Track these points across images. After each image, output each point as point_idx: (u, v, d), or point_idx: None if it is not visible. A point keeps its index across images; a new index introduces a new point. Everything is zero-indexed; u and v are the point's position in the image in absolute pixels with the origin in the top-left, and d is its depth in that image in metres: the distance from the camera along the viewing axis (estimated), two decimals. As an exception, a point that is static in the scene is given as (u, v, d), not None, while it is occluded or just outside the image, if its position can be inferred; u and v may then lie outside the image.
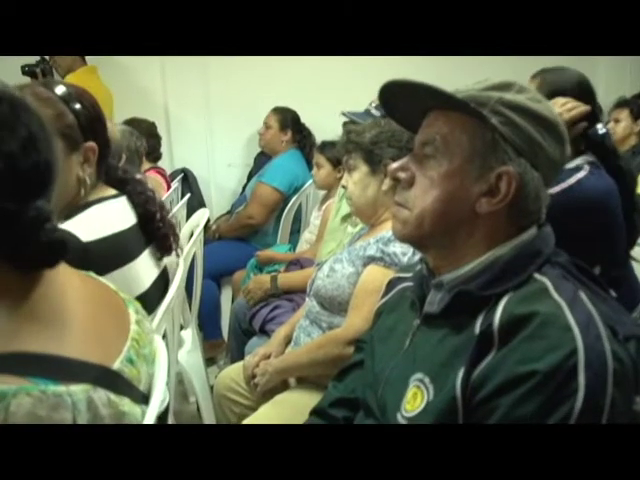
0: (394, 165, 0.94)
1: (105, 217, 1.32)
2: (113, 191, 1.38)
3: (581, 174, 1.59)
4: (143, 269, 1.38)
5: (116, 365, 0.77)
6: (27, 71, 3.13)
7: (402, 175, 0.92)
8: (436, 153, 0.88)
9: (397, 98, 0.94)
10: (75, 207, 1.28)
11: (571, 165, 1.65)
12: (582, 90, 1.72)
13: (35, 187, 0.73)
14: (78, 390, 0.68)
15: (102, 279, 0.91)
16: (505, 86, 0.89)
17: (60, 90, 1.27)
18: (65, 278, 0.79)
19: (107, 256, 1.25)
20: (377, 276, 1.48)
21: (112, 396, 0.72)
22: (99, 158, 1.31)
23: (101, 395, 0.70)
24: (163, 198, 2.21)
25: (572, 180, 1.57)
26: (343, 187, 1.73)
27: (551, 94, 1.66)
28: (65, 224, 1.21)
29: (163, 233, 1.45)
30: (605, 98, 3.64)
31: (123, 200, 1.39)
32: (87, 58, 3.27)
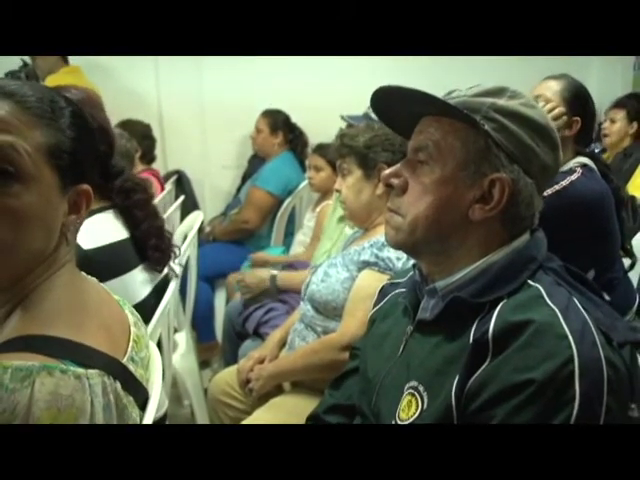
0: (387, 171, 0.93)
1: (102, 227, 1.33)
2: (102, 203, 1.38)
3: (574, 176, 1.60)
4: (139, 280, 1.39)
5: (123, 362, 0.80)
6: (11, 78, 3.06)
7: (395, 181, 0.91)
8: (429, 159, 0.88)
9: (389, 103, 0.93)
10: None
11: (564, 168, 1.66)
12: (592, 100, 1.75)
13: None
14: (94, 374, 0.71)
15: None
16: (498, 92, 0.89)
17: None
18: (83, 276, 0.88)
19: (106, 265, 1.27)
20: (372, 281, 1.47)
21: (119, 387, 0.75)
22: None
23: (112, 383, 0.74)
24: (156, 200, 2.19)
25: (565, 182, 1.58)
26: (337, 191, 1.72)
27: (575, 95, 1.69)
28: None
29: (155, 244, 1.44)
30: (598, 98, 3.66)
31: (112, 212, 1.39)
32: (81, 59, 3.25)
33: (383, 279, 1.27)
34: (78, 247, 1.19)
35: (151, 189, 1.56)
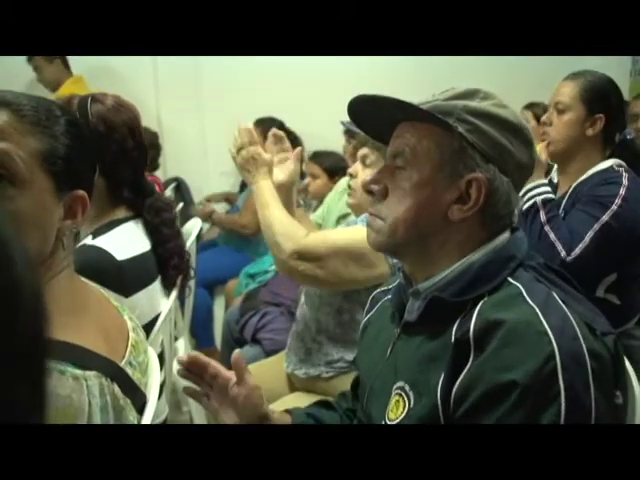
0: (367, 178, 0.95)
1: (131, 237, 1.34)
2: (129, 212, 1.38)
3: (621, 196, 1.56)
4: (160, 292, 1.41)
5: (121, 365, 0.82)
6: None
7: (375, 188, 0.93)
8: (406, 164, 0.89)
9: (366, 112, 0.94)
10: (102, 225, 1.29)
11: (602, 167, 1.65)
12: (617, 90, 1.72)
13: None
14: (92, 375, 0.73)
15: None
16: (470, 94, 0.90)
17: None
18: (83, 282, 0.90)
19: (137, 275, 1.28)
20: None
21: (116, 389, 0.77)
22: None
23: (109, 384, 0.76)
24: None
25: (620, 192, 1.56)
26: (350, 175, 1.68)
27: (595, 92, 1.66)
28: (96, 241, 1.22)
29: (177, 264, 1.45)
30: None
31: (137, 222, 1.39)
32: (80, 67, 3.25)
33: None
34: (112, 258, 1.20)
35: (175, 209, 1.56)
